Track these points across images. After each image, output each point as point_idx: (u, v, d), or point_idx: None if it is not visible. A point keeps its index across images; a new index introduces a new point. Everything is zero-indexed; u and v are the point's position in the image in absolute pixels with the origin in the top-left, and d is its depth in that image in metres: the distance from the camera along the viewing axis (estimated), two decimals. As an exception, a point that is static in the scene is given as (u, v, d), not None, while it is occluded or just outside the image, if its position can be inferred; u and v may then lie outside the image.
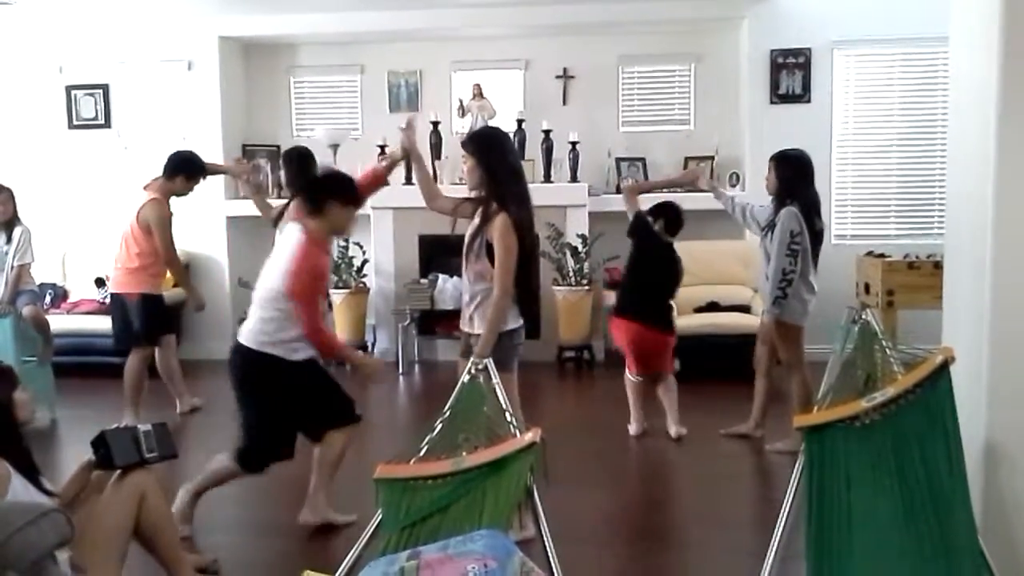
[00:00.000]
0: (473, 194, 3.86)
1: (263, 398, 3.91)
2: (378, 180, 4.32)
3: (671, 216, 5.33)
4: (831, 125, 7.37)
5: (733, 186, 7.50)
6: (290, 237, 3.91)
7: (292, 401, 3.91)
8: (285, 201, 5.62)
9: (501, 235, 3.66)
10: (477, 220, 3.79)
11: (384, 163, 4.52)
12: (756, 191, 7.15)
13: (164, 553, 3.19)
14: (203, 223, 7.60)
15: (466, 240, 3.83)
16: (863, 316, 3.11)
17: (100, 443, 3.09)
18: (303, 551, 3.82)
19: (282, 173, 6.10)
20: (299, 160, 5.51)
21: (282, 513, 4.30)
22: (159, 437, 3.23)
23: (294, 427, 3.99)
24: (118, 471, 3.10)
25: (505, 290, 3.68)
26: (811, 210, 4.83)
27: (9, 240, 5.81)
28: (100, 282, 7.62)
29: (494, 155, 3.78)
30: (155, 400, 5.93)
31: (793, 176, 4.84)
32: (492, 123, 7.51)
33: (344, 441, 4.05)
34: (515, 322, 3.82)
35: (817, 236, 4.88)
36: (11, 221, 5.83)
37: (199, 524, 4.04)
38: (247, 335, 3.89)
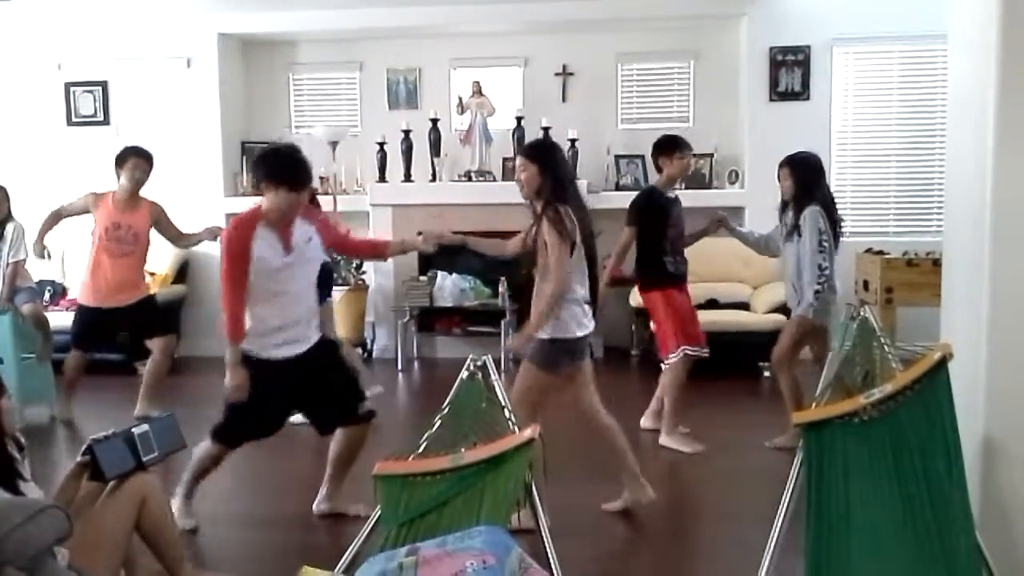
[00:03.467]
0: (526, 204, 3.95)
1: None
2: (376, 253, 4.35)
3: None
4: (830, 122, 7.38)
5: (732, 183, 7.51)
6: None
7: (270, 397, 3.86)
8: None
9: (552, 226, 3.72)
10: (536, 229, 3.85)
11: (395, 247, 4.45)
12: (755, 188, 7.18)
13: (165, 554, 3.18)
14: (201, 221, 7.57)
15: (529, 248, 3.89)
16: (862, 313, 3.11)
17: (90, 455, 2.99)
18: (301, 546, 3.82)
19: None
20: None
21: (280, 508, 4.31)
22: (160, 433, 3.16)
23: (278, 416, 3.98)
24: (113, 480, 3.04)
25: (560, 280, 3.73)
26: (831, 207, 4.98)
27: (2, 237, 5.80)
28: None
29: (552, 164, 3.87)
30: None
31: (809, 177, 4.94)
32: (491, 120, 7.53)
33: (349, 438, 4.00)
34: (580, 330, 3.86)
35: (838, 233, 5.01)
36: (4, 219, 5.82)
37: (199, 518, 4.04)
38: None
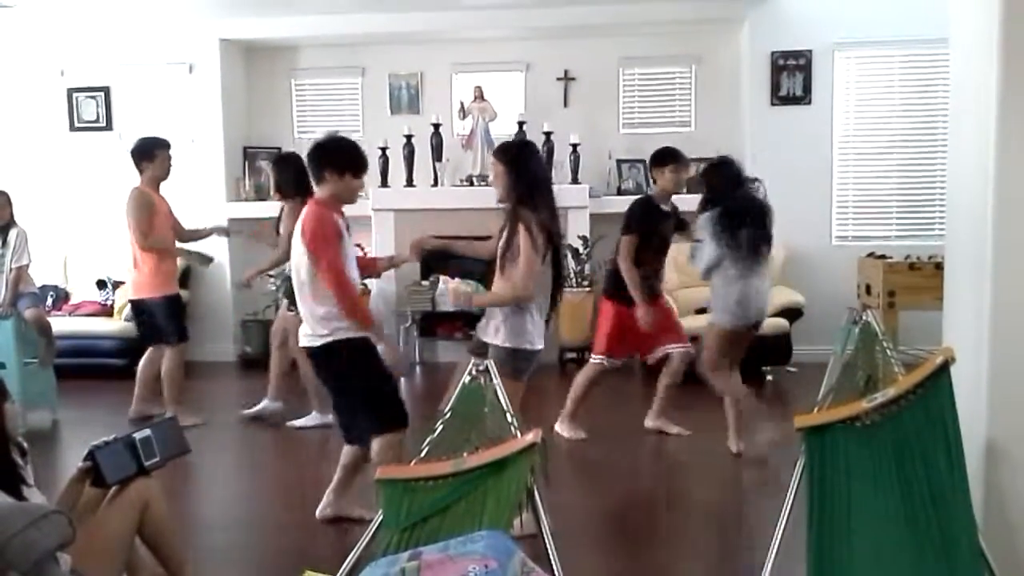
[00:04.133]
0: (501, 207, 3.93)
1: (354, 381, 3.86)
2: (368, 271, 4.37)
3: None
4: (832, 127, 7.38)
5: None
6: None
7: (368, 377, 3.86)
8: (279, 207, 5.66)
9: (527, 234, 3.71)
10: (506, 231, 3.84)
11: (383, 263, 4.58)
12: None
13: (168, 559, 3.18)
14: (204, 225, 7.59)
15: (499, 251, 3.87)
16: (864, 317, 3.11)
17: (91, 461, 3.00)
18: (303, 551, 3.83)
19: (271, 178, 6.10)
20: (291, 163, 5.57)
21: (282, 512, 4.31)
22: (162, 438, 3.15)
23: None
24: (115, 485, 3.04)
25: (525, 287, 3.74)
26: (745, 213, 4.82)
27: (5, 243, 5.81)
28: (101, 284, 7.65)
29: (521, 165, 3.84)
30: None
31: (717, 183, 4.91)
32: (493, 125, 7.54)
33: (381, 449, 3.83)
34: (539, 343, 3.87)
35: (755, 239, 4.83)
36: (7, 224, 5.84)
37: (201, 522, 4.04)
38: (310, 338, 3.84)
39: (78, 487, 3.04)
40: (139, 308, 5.85)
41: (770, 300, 5.16)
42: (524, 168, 3.84)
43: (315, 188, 3.90)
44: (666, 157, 5.16)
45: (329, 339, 3.76)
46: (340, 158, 3.85)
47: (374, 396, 3.85)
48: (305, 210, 3.85)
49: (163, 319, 5.77)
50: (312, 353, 3.89)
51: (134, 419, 5.72)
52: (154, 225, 5.68)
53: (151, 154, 5.73)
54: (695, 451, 5.19)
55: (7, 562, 2.25)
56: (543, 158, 4.01)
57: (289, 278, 5.60)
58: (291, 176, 5.42)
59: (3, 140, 8.09)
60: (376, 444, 3.82)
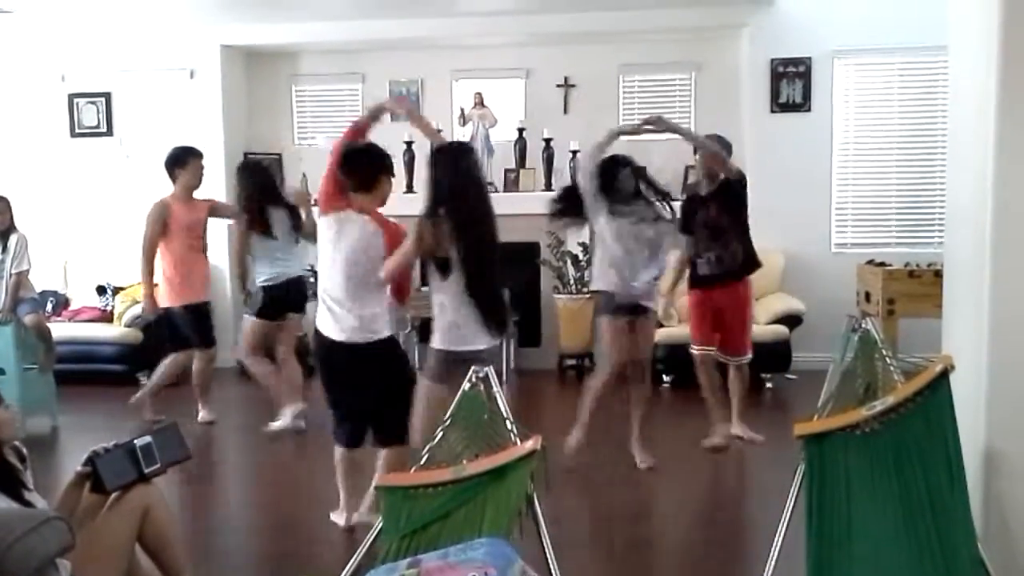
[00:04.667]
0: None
1: (386, 382, 3.89)
2: (359, 134, 4.28)
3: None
4: (831, 134, 7.39)
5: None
6: (360, 228, 3.82)
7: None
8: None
9: (415, 234, 3.72)
10: None
11: (365, 116, 4.52)
12: (756, 199, 7.17)
13: (168, 566, 3.16)
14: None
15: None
16: (863, 325, 3.11)
17: (90, 466, 2.99)
18: (303, 557, 3.82)
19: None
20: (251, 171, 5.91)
21: (283, 518, 4.31)
22: (163, 444, 3.14)
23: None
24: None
25: (388, 277, 3.80)
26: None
27: (5, 248, 5.82)
28: (101, 290, 7.65)
29: (438, 168, 3.85)
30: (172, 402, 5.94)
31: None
32: (493, 132, 7.54)
33: (397, 459, 3.81)
34: (450, 344, 3.84)
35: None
36: (8, 230, 5.84)
37: (201, 527, 4.03)
38: (354, 332, 3.82)
39: (76, 492, 3.03)
40: (162, 316, 5.96)
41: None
42: (439, 172, 3.84)
43: (364, 194, 3.87)
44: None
45: (384, 335, 3.85)
46: (388, 163, 3.98)
47: (407, 402, 3.88)
48: (375, 218, 3.84)
49: (185, 327, 5.87)
50: (362, 349, 3.85)
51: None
52: (168, 233, 5.76)
53: (184, 161, 5.84)
54: (696, 458, 5.19)
55: (7, 569, 2.25)
56: (471, 162, 3.97)
57: (278, 285, 5.66)
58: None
59: (4, 145, 8.10)
60: (391, 453, 3.84)
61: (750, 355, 5.34)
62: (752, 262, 5.22)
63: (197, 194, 5.97)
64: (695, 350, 5.29)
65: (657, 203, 4.88)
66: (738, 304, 5.19)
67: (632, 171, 4.87)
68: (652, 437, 5.41)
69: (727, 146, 5.29)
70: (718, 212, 5.10)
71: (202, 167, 5.93)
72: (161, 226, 5.73)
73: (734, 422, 5.37)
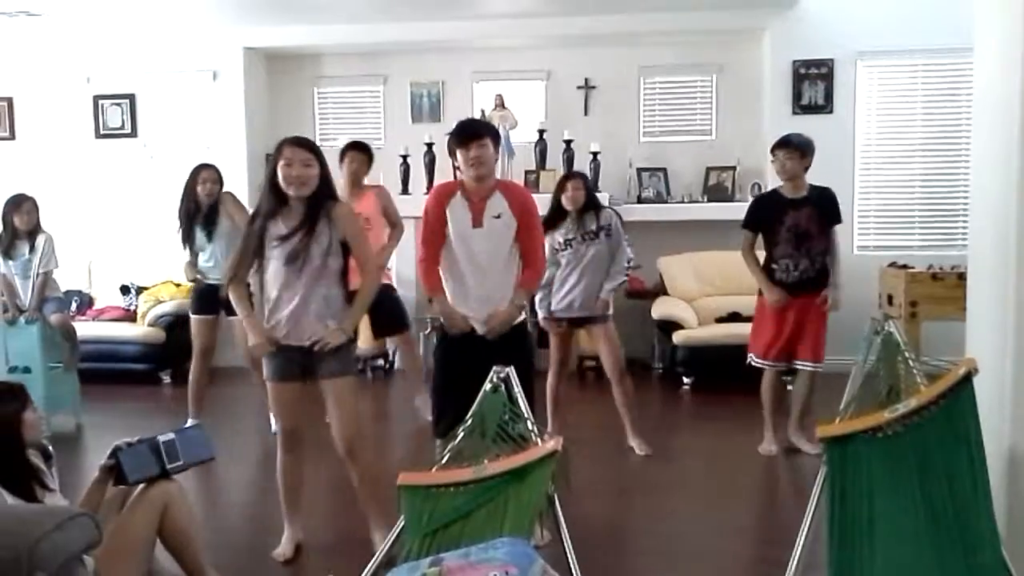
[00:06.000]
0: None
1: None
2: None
3: None
4: (854, 136, 7.35)
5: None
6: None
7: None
8: None
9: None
10: None
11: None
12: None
13: (189, 563, 3.19)
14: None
15: None
16: (886, 327, 3.09)
17: (114, 459, 3.04)
18: (325, 555, 3.84)
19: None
20: None
21: (306, 516, 4.32)
22: (187, 443, 3.18)
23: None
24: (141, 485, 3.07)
25: None
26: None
27: (33, 248, 5.88)
28: (125, 289, 7.73)
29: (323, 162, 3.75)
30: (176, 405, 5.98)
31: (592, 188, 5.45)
32: (513, 133, 7.55)
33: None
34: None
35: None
36: (34, 230, 5.90)
37: (219, 524, 4.05)
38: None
39: (101, 488, 3.07)
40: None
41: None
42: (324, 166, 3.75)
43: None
44: (776, 143, 5.22)
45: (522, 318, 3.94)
46: None
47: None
48: (516, 189, 4.14)
49: None
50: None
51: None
52: None
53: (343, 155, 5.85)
54: (713, 460, 5.18)
55: (35, 565, 2.28)
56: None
57: None
58: None
59: (31, 146, 8.20)
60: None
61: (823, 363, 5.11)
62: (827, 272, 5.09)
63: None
64: (763, 364, 5.12)
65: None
66: (817, 312, 5.03)
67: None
68: (671, 439, 5.41)
69: (809, 145, 5.23)
70: (808, 218, 5.04)
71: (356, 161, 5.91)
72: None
73: (792, 431, 5.22)
